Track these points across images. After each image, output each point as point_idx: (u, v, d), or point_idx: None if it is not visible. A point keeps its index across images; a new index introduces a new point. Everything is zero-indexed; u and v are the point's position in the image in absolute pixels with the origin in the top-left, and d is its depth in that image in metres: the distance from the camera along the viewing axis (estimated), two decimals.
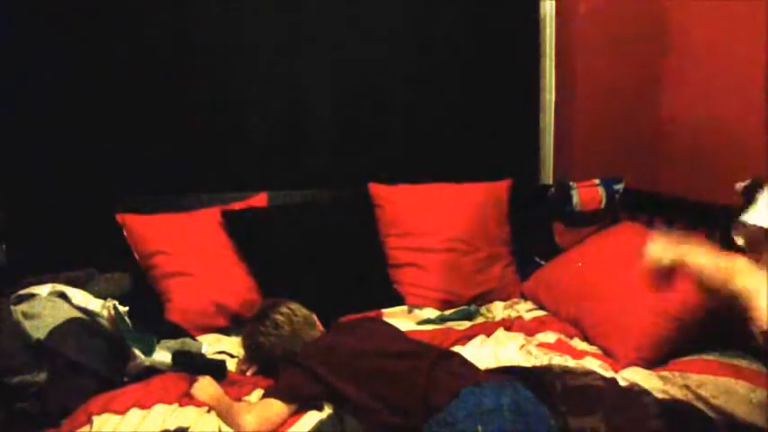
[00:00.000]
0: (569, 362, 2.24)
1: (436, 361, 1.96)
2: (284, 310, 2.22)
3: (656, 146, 2.84)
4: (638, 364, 2.21)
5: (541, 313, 2.71)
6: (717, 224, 2.49)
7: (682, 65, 2.69)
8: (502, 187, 3.12)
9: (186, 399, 2.01)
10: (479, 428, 1.75)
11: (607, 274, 2.51)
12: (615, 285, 2.44)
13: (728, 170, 2.47)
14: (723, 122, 2.54)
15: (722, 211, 2.48)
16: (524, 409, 1.78)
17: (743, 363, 2.21)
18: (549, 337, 2.47)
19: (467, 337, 2.50)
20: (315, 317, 2.28)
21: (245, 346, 2.27)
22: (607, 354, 2.32)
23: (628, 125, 2.98)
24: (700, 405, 2.00)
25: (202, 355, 2.33)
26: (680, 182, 2.71)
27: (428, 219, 2.98)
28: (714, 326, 2.26)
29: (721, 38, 2.51)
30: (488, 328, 2.57)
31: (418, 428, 1.81)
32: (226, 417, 1.91)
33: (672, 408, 1.94)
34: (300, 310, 2.24)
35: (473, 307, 2.83)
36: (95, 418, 1.94)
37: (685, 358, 2.24)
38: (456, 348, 2.39)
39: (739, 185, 2.39)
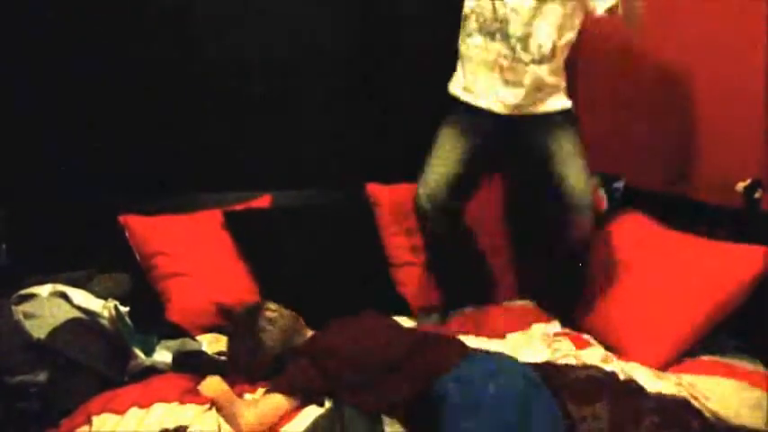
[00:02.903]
0: (572, 350, 2.28)
1: (434, 347, 1.99)
2: (271, 306, 2.20)
3: (657, 145, 2.84)
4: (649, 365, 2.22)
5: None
6: (717, 224, 2.50)
7: (682, 65, 2.69)
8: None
9: (186, 397, 2.01)
10: (491, 387, 1.75)
11: (617, 274, 2.52)
12: (627, 286, 2.45)
13: (728, 170, 2.48)
14: (723, 122, 2.54)
15: (722, 211, 2.49)
16: (534, 382, 1.78)
17: (740, 363, 2.23)
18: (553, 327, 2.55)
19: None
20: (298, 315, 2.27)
21: (241, 356, 2.16)
22: (619, 353, 2.31)
23: (628, 125, 2.98)
24: (695, 404, 2.01)
25: (205, 353, 2.34)
26: (679, 181, 2.72)
27: None
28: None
29: (722, 38, 2.51)
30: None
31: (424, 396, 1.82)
32: (227, 413, 1.92)
33: (668, 402, 1.95)
34: (283, 308, 2.22)
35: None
36: (95, 418, 1.94)
37: (683, 359, 2.26)
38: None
39: (739, 185, 2.40)
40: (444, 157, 2.58)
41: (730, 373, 2.15)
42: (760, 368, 2.22)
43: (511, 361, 1.91)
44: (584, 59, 3.11)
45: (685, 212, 2.64)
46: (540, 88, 2.50)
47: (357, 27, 3.12)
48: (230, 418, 1.90)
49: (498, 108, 2.53)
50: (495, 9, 2.43)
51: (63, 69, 2.85)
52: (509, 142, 2.64)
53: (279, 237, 2.85)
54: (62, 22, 2.83)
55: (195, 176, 3.02)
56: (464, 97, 2.59)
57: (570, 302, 2.60)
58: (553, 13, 2.42)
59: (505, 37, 2.43)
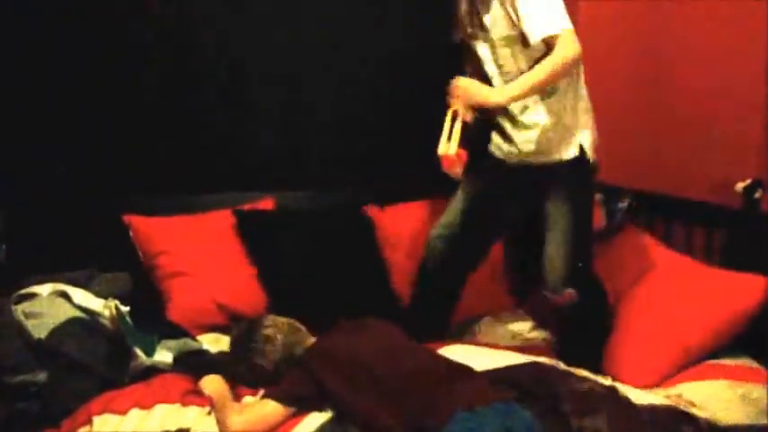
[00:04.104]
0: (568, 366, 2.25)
1: (434, 377, 1.94)
2: (267, 323, 2.16)
3: (657, 146, 2.84)
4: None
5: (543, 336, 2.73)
6: (717, 224, 2.50)
7: (682, 65, 2.70)
8: None
9: (188, 398, 2.01)
10: None
11: (612, 297, 2.51)
12: (625, 309, 2.44)
13: (728, 170, 2.48)
14: (723, 122, 2.55)
15: (722, 211, 2.49)
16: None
17: (726, 360, 2.22)
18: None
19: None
20: (295, 321, 2.23)
21: (242, 375, 2.14)
22: (612, 376, 2.28)
23: (628, 125, 2.98)
24: (686, 409, 2.00)
25: (207, 352, 2.34)
26: (680, 182, 2.72)
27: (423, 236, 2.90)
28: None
29: (722, 38, 2.51)
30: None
31: None
32: (219, 414, 1.92)
33: (661, 414, 1.95)
34: (280, 319, 2.19)
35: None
36: (95, 419, 1.94)
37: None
38: (453, 347, 2.41)
39: (739, 185, 2.40)
40: (455, 200, 2.59)
41: (715, 373, 2.15)
42: (746, 362, 2.22)
43: (494, 415, 1.80)
44: (584, 60, 3.11)
45: (685, 213, 2.64)
46: (544, 132, 2.37)
47: (366, 33, 3.12)
48: (220, 421, 1.91)
49: (499, 154, 2.49)
50: (481, 69, 2.41)
51: (64, 69, 2.84)
52: (514, 190, 2.53)
53: (282, 238, 2.85)
54: (63, 21, 2.83)
55: (197, 177, 3.01)
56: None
57: (592, 354, 2.42)
58: (513, 56, 2.34)
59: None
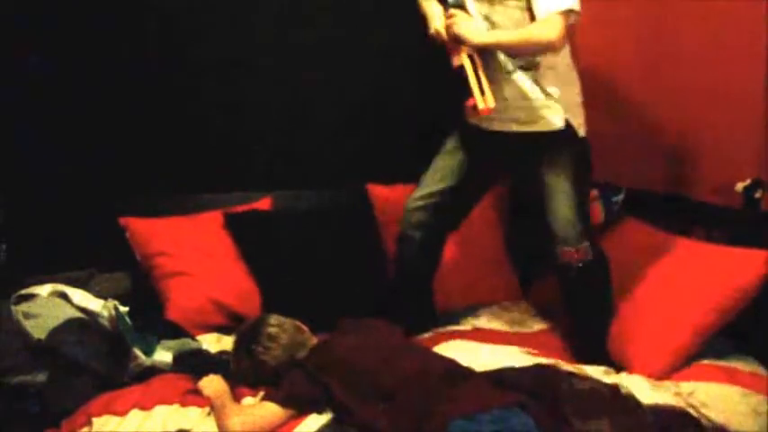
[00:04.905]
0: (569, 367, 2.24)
1: (433, 381, 1.92)
2: (272, 321, 2.16)
3: (657, 146, 2.84)
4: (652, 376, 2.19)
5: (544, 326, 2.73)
6: (717, 224, 2.50)
7: (682, 65, 2.69)
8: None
9: (188, 398, 2.01)
10: None
11: (616, 282, 2.48)
12: (628, 294, 2.42)
13: (728, 170, 2.48)
14: (723, 122, 2.54)
15: (722, 211, 2.49)
16: None
17: (740, 365, 2.21)
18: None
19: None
20: (299, 323, 2.24)
21: (244, 371, 2.15)
22: (620, 362, 2.29)
23: (628, 124, 2.98)
24: (693, 413, 2.00)
25: (206, 352, 2.34)
26: (680, 182, 2.72)
27: None
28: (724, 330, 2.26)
29: (721, 38, 2.51)
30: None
31: None
32: (218, 415, 1.92)
33: (665, 415, 1.94)
34: (283, 319, 2.20)
35: None
36: (95, 420, 1.94)
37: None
38: (455, 343, 2.41)
39: (739, 185, 2.39)
40: (434, 172, 2.52)
41: (729, 377, 2.14)
42: (759, 370, 2.21)
43: (493, 423, 1.77)
44: (583, 60, 3.11)
45: (685, 213, 2.63)
46: (524, 99, 2.37)
47: (366, 33, 3.11)
48: (219, 422, 1.91)
49: (483, 124, 2.43)
50: None
51: (63, 69, 2.85)
52: (503, 159, 2.53)
53: (279, 238, 2.85)
54: (63, 21, 2.83)
55: (195, 178, 3.01)
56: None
57: (597, 339, 2.41)
58: (506, 25, 2.32)
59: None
